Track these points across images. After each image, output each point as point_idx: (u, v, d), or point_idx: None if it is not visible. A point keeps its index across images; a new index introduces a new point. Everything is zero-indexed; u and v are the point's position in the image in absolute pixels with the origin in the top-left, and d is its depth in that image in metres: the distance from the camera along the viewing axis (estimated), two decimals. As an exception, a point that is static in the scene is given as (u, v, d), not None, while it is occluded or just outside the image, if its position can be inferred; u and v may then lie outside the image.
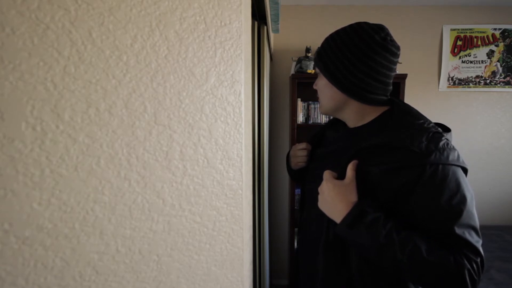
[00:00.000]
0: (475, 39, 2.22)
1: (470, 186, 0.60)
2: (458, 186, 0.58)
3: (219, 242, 0.43)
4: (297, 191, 2.13)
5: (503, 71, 2.24)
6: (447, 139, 0.62)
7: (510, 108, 2.27)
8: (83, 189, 0.29)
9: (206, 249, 0.42)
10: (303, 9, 2.17)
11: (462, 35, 2.22)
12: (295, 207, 2.06)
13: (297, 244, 0.90)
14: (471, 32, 2.22)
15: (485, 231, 2.11)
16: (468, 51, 2.23)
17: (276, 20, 1.35)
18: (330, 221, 0.66)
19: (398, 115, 0.67)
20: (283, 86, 2.24)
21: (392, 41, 0.67)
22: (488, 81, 2.24)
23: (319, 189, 0.67)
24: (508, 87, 2.24)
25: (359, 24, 0.67)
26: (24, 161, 0.25)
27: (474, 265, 0.55)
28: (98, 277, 0.32)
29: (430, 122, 0.66)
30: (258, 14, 1.01)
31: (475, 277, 0.55)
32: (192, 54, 0.38)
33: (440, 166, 0.58)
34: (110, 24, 0.31)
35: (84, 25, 0.28)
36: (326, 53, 0.69)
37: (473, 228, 0.57)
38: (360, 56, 0.65)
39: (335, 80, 0.68)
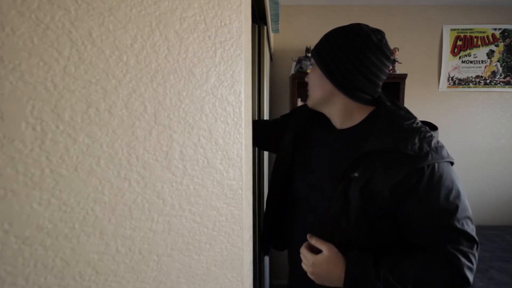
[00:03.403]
0: (475, 39, 2.22)
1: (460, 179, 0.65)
2: (452, 182, 0.62)
3: (219, 242, 0.43)
4: (297, 191, 2.12)
5: (503, 71, 2.24)
6: (435, 137, 0.65)
7: (510, 108, 2.27)
8: (83, 189, 0.29)
9: (206, 249, 0.42)
10: (303, 9, 2.17)
11: (462, 35, 2.22)
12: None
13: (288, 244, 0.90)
14: (471, 32, 2.22)
15: (485, 231, 2.11)
16: (468, 51, 2.23)
17: (276, 20, 1.35)
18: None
19: (385, 117, 0.68)
20: (283, 86, 2.24)
21: (387, 45, 0.70)
22: (488, 81, 2.24)
23: (307, 269, 0.69)
24: (508, 87, 2.24)
25: (358, 24, 0.70)
26: (24, 161, 0.25)
27: (471, 257, 0.61)
28: (98, 277, 0.32)
29: (418, 121, 0.68)
30: (258, 14, 1.01)
31: (472, 267, 0.61)
32: (192, 54, 0.38)
33: (436, 165, 0.61)
34: (110, 24, 0.31)
35: (84, 25, 0.28)
36: (324, 46, 0.71)
37: (469, 218, 0.62)
38: (355, 51, 0.67)
39: (327, 70, 0.70)
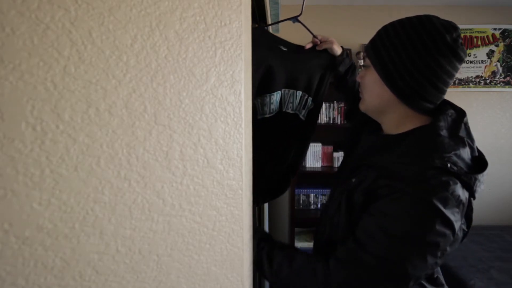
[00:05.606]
0: (475, 39, 2.22)
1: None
2: (411, 217, 0.50)
3: (219, 242, 0.43)
4: (297, 191, 2.13)
5: (503, 71, 2.24)
6: (450, 182, 0.50)
7: (510, 108, 2.27)
8: (83, 189, 0.29)
9: (206, 249, 0.42)
10: (303, 9, 2.17)
11: (462, 35, 2.22)
12: (295, 207, 2.06)
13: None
14: (471, 32, 2.22)
15: (485, 231, 2.11)
16: (468, 51, 2.23)
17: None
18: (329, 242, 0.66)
19: (422, 138, 0.57)
20: (283, 86, 2.24)
21: (462, 45, 0.58)
22: (488, 81, 2.24)
23: None
24: (508, 87, 2.24)
25: (428, 17, 0.58)
26: (24, 161, 0.25)
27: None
28: (98, 277, 0.32)
29: (453, 158, 0.52)
30: (258, 14, 1.01)
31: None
32: (192, 54, 0.38)
33: (401, 196, 0.51)
34: (110, 24, 0.31)
35: (84, 25, 0.28)
36: (383, 43, 0.58)
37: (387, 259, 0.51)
38: (424, 56, 0.55)
39: (388, 78, 0.58)
